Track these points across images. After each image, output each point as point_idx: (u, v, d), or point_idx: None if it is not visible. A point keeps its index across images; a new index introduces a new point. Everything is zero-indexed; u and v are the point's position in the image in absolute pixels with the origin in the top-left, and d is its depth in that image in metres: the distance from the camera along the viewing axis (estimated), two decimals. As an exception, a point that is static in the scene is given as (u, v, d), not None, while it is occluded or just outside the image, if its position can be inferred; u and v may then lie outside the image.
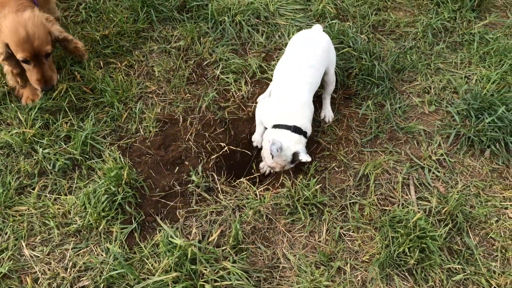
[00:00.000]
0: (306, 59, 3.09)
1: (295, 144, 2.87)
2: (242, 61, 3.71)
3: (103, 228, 2.77)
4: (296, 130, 2.90)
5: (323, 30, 3.41)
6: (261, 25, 3.96)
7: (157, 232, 2.83)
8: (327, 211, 2.88)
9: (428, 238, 2.64)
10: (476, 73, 3.65)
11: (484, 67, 3.69)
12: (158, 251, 2.69)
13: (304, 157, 2.85)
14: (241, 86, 3.56)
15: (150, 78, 3.64)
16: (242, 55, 3.79)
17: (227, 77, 3.61)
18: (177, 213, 2.91)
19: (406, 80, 3.63)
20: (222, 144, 3.25)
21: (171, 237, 2.69)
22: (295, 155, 2.87)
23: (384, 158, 3.14)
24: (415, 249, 2.62)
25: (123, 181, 2.86)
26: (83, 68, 3.57)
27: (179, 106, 3.44)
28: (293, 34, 3.92)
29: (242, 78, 3.62)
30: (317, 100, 3.43)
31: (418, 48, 3.84)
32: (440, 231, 2.72)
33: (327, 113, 3.39)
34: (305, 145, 2.98)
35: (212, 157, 3.21)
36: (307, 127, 3.00)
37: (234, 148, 3.26)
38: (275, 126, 2.97)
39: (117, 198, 2.82)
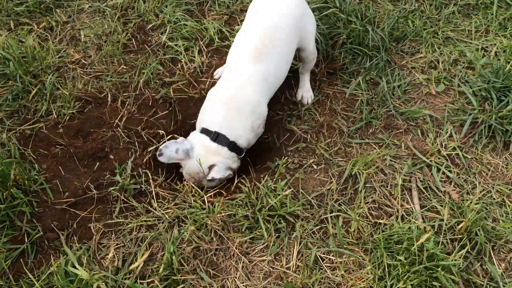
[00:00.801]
0: (263, 39, 2.21)
1: (211, 154, 2.20)
2: (197, 25, 2.86)
3: (-21, 250, 1.94)
4: (219, 139, 2.20)
5: None
6: (224, -20, 3.11)
7: (61, 254, 2.01)
8: (299, 226, 2.08)
9: (439, 269, 1.85)
10: (495, 44, 2.85)
11: (505, 37, 2.90)
12: (55, 284, 1.87)
13: (216, 174, 2.18)
14: (194, 57, 2.73)
15: (75, 44, 2.79)
16: (198, 18, 2.95)
17: (176, 45, 2.77)
18: (91, 227, 2.09)
19: (407, 51, 2.83)
20: (162, 132, 2.41)
21: (73, 265, 1.86)
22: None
23: (378, 152, 2.34)
24: (422, 286, 1.83)
25: (11, 183, 2.01)
26: (-16, 29, 2.70)
27: (109, 81, 2.59)
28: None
29: (195, 46, 2.79)
30: (293, 76, 2.61)
31: (422, 12, 3.03)
32: (455, 257, 1.94)
33: (305, 92, 2.58)
34: (235, 160, 2.29)
35: (149, 150, 2.38)
36: (243, 141, 2.26)
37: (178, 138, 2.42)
38: (202, 130, 2.25)
39: (3, 207, 1.98)
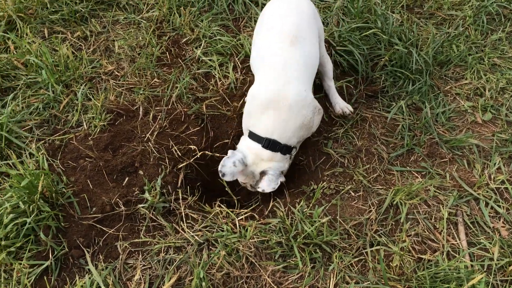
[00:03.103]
0: (295, 27, 2.20)
1: (265, 161, 2.13)
2: (233, 40, 2.79)
3: (1, 265, 1.85)
4: (271, 145, 2.11)
5: None
6: (261, -4, 3.04)
7: (86, 272, 1.91)
8: (336, 257, 1.95)
9: (492, 314, 1.70)
10: (545, 73, 2.70)
11: (556, 66, 2.75)
12: (78, 306, 1.77)
13: (267, 186, 2.10)
14: (228, 72, 2.64)
15: (108, 55, 2.73)
16: (233, 33, 2.88)
17: (210, 60, 2.70)
18: (118, 246, 1.98)
19: (452, 76, 2.70)
20: (193, 147, 2.32)
21: (98, 286, 1.76)
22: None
23: (422, 182, 2.20)
24: (474, 332, 1.68)
25: (38, 195, 1.93)
26: (19, 36, 2.67)
27: (141, 94, 2.52)
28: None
29: (230, 62, 2.71)
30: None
31: (467, 37, 2.90)
32: (508, 302, 1.79)
33: (340, 104, 2.48)
34: (287, 160, 2.20)
35: (179, 166, 2.29)
36: (295, 140, 2.17)
37: (211, 154, 2.32)
38: (250, 135, 2.16)
39: (29, 220, 1.90)
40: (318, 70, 2.43)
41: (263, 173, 2.13)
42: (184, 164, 2.29)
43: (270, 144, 2.10)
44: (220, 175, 2.07)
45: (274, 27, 2.23)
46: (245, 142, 2.18)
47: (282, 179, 2.17)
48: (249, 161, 2.12)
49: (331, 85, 2.51)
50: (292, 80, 2.10)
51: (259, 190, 2.12)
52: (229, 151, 2.14)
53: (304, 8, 2.31)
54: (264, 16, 2.37)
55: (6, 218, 1.91)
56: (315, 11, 2.42)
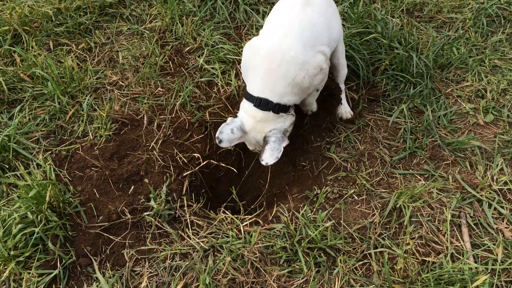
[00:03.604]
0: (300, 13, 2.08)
1: (262, 123, 2.07)
2: (235, 48, 2.82)
3: (11, 274, 1.88)
4: (263, 104, 2.03)
5: None
6: (262, 4, 3.08)
7: (93, 280, 1.94)
8: (341, 261, 1.96)
9: (496, 315, 1.71)
10: (547, 74, 2.71)
11: (557, 66, 2.76)
12: (86, 314, 1.80)
13: (269, 158, 2.00)
14: (231, 80, 2.68)
15: (112, 66, 2.78)
16: (235, 41, 2.91)
17: (212, 68, 2.73)
18: (124, 254, 2.01)
19: (453, 79, 2.71)
20: (197, 155, 2.35)
21: (105, 294, 1.79)
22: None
23: (425, 185, 2.21)
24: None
25: (46, 205, 1.96)
26: (25, 49, 2.72)
27: (145, 103, 2.56)
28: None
29: (232, 70, 2.73)
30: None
31: (467, 39, 2.92)
32: (513, 302, 1.79)
33: (343, 108, 2.48)
34: (287, 118, 2.13)
35: (184, 174, 2.32)
36: (288, 98, 2.07)
37: (216, 163, 2.35)
38: (246, 95, 2.12)
39: (37, 230, 1.94)
40: (331, 73, 2.44)
41: (265, 141, 2.05)
42: (188, 173, 2.32)
43: (261, 103, 2.02)
44: (217, 141, 2.06)
45: None
46: (242, 105, 2.13)
47: (286, 142, 2.08)
48: (247, 127, 2.08)
49: (341, 86, 2.52)
50: (291, 35, 2.01)
51: (263, 163, 2.01)
52: (229, 118, 2.12)
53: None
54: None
55: (15, 228, 1.94)
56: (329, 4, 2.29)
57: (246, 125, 2.10)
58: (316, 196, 2.22)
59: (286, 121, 2.14)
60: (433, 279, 1.88)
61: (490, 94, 2.62)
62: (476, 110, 2.57)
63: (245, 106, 2.11)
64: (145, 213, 2.12)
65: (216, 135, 2.06)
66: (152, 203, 2.13)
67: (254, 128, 2.09)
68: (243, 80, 2.70)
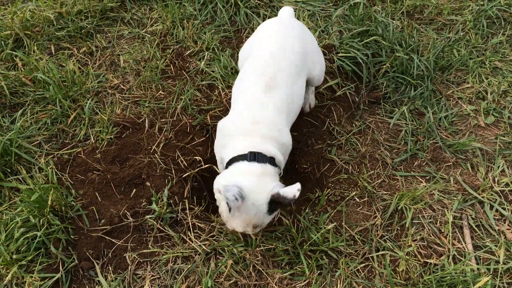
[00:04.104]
0: (271, 73, 2.02)
1: (262, 179, 1.83)
2: (236, 52, 2.83)
3: (13, 278, 1.89)
4: (259, 157, 1.85)
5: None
6: (263, 8, 3.09)
7: (96, 284, 1.94)
8: (343, 263, 1.96)
9: (499, 317, 1.71)
10: (547, 75, 2.72)
11: (557, 67, 2.76)
12: (88, 318, 1.80)
13: (290, 192, 1.73)
14: (231, 83, 2.68)
15: (114, 69, 2.79)
16: (235, 44, 2.92)
17: (213, 71, 2.74)
18: (127, 257, 2.01)
19: (453, 81, 2.72)
20: (198, 158, 2.35)
21: (107, 297, 1.79)
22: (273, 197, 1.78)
23: (426, 187, 2.21)
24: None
25: (48, 209, 1.97)
26: (27, 54, 2.73)
27: (147, 107, 2.56)
28: (303, 20, 3.04)
29: (233, 73, 2.74)
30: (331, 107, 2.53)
31: (468, 41, 2.92)
32: (515, 304, 1.79)
33: (309, 100, 2.49)
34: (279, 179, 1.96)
35: (183, 176, 2.32)
36: (279, 157, 1.95)
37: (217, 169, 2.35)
38: (229, 163, 1.91)
39: (39, 234, 1.94)
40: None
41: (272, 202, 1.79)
42: (189, 173, 2.32)
43: (256, 156, 1.85)
44: (231, 203, 1.69)
45: (256, 65, 2.10)
46: (228, 175, 1.87)
47: (297, 187, 1.76)
48: (246, 189, 1.75)
49: (310, 88, 2.47)
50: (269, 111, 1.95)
51: (287, 197, 1.74)
52: (218, 186, 1.79)
53: (294, 37, 2.16)
54: (255, 38, 2.29)
55: (17, 232, 1.95)
56: (306, 38, 2.26)
57: (245, 187, 1.76)
58: (318, 199, 2.23)
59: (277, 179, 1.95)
60: (435, 281, 1.88)
61: (491, 95, 2.62)
62: (477, 111, 2.57)
63: (235, 170, 1.87)
64: (147, 216, 2.12)
65: (231, 193, 1.69)
66: (154, 206, 2.13)
67: (254, 191, 1.79)
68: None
